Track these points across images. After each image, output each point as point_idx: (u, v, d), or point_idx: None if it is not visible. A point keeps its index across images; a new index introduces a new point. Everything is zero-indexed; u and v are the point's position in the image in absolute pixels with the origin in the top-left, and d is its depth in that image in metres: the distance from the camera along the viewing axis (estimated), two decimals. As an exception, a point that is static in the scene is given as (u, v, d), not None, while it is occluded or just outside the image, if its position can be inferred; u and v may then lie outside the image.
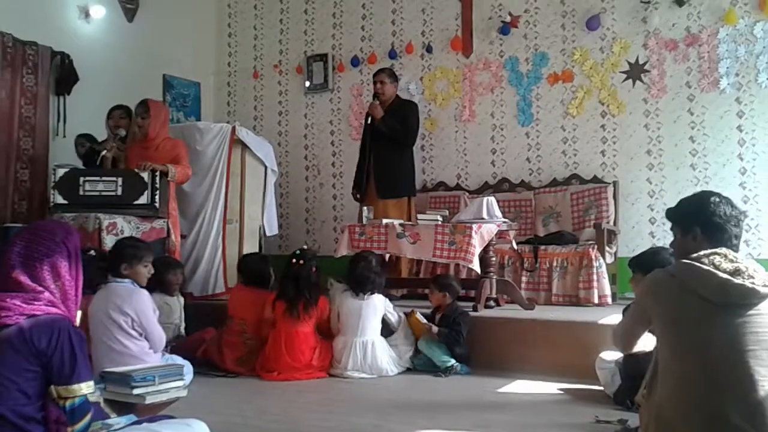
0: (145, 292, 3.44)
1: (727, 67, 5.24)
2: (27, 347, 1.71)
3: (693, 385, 1.92)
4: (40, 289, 1.81)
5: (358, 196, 5.55)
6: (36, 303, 1.79)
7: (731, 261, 1.98)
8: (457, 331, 3.99)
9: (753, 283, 1.92)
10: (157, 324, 3.42)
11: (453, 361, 3.94)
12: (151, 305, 3.41)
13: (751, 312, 1.92)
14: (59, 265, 1.86)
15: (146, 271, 3.50)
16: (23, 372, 1.71)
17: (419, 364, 4.07)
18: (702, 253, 2.01)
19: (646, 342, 2.25)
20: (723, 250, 2.01)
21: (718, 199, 2.11)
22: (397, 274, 5.09)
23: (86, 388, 1.76)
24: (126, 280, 3.41)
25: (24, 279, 1.81)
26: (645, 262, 3.24)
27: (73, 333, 1.78)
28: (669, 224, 5.41)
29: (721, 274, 1.93)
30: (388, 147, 5.26)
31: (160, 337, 3.44)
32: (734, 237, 2.06)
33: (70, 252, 1.90)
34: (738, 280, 1.92)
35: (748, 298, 1.92)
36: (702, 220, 2.09)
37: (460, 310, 4.16)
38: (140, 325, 3.35)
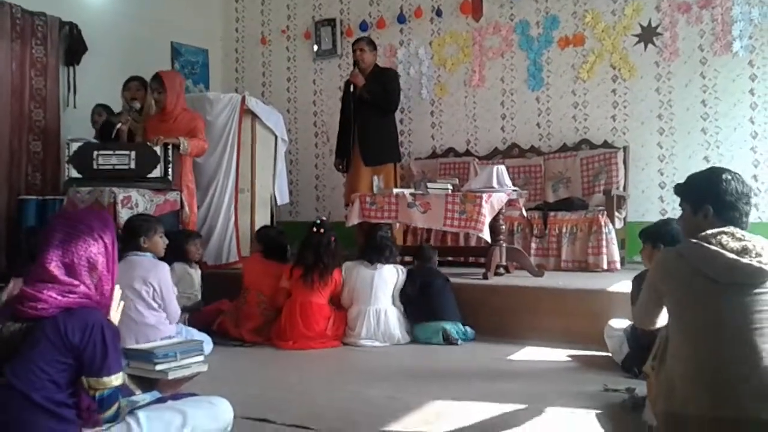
0: (166, 265, 3.59)
1: (741, 30, 5.18)
2: (61, 340, 1.76)
3: (702, 363, 1.96)
4: (77, 282, 1.84)
5: (341, 167, 5.58)
6: (71, 296, 1.82)
7: (738, 239, 2.00)
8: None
9: (760, 262, 1.95)
10: (173, 298, 3.53)
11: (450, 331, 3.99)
12: (170, 278, 3.52)
13: (758, 290, 1.95)
14: (96, 259, 1.89)
15: (162, 241, 3.66)
16: (56, 363, 1.76)
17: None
18: (710, 232, 2.03)
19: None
20: (730, 228, 2.03)
21: (729, 177, 2.10)
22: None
23: (116, 380, 1.82)
24: (147, 253, 3.51)
25: (60, 272, 1.83)
26: (654, 234, 3.27)
27: (106, 327, 1.82)
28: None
29: (728, 254, 1.96)
30: (372, 114, 5.27)
31: (176, 309, 3.57)
32: (744, 215, 2.07)
33: (107, 246, 1.93)
34: (745, 260, 1.95)
35: (755, 277, 1.95)
36: (713, 198, 2.09)
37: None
38: (161, 297, 3.48)
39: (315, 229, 4.17)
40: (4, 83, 5.33)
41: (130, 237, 3.50)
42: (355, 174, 5.29)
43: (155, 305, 3.48)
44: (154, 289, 3.46)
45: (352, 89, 5.32)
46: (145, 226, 3.63)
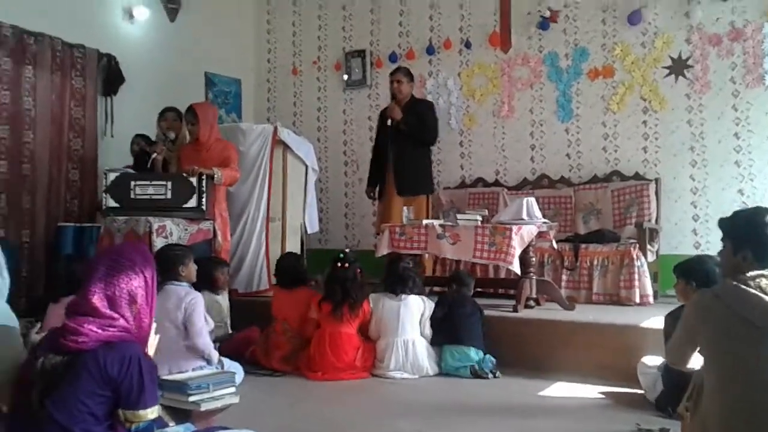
0: (200, 295, 3.63)
1: (773, 63, 5.15)
2: (100, 373, 1.81)
3: (736, 408, 1.94)
4: (116, 316, 1.89)
5: (372, 194, 5.64)
6: (111, 329, 1.87)
7: (778, 283, 1.99)
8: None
9: (799, 307, 1.93)
10: (204, 328, 3.53)
11: (488, 361, 3.98)
12: (203, 309, 3.56)
13: (796, 336, 1.93)
14: (136, 294, 1.94)
15: (194, 268, 3.74)
16: (95, 396, 1.80)
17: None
18: (749, 274, 2.02)
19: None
20: None
21: None
22: (421, 272, 5.11)
23: (152, 414, 1.85)
24: (183, 282, 3.58)
25: (102, 305, 1.89)
26: (688, 271, 3.25)
27: (143, 361, 1.86)
28: (712, 222, 5.37)
29: (767, 299, 1.94)
30: (409, 145, 5.30)
31: (206, 342, 3.52)
32: None
33: (147, 281, 1.98)
34: (784, 305, 1.93)
35: (793, 322, 1.93)
36: (754, 242, 2.07)
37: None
38: (188, 320, 3.48)
39: (339, 264, 4.19)
40: (45, 113, 5.49)
41: (169, 266, 3.55)
42: (388, 204, 5.32)
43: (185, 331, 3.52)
44: (185, 313, 3.49)
45: (389, 123, 5.31)
46: (180, 254, 3.70)
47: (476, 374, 3.93)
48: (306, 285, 4.44)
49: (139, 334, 1.97)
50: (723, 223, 2.21)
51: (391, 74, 5.49)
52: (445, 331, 4.12)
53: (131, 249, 2.08)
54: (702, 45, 5.40)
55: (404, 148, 5.31)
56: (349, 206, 7.05)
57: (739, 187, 5.24)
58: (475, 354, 3.99)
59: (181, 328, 3.50)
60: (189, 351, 3.51)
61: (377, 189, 5.58)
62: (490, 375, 3.92)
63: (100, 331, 1.86)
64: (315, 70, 7.28)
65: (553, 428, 2.99)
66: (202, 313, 3.58)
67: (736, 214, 2.22)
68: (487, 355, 4.02)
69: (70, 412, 1.80)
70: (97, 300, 1.89)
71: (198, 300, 3.57)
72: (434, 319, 4.17)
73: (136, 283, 1.96)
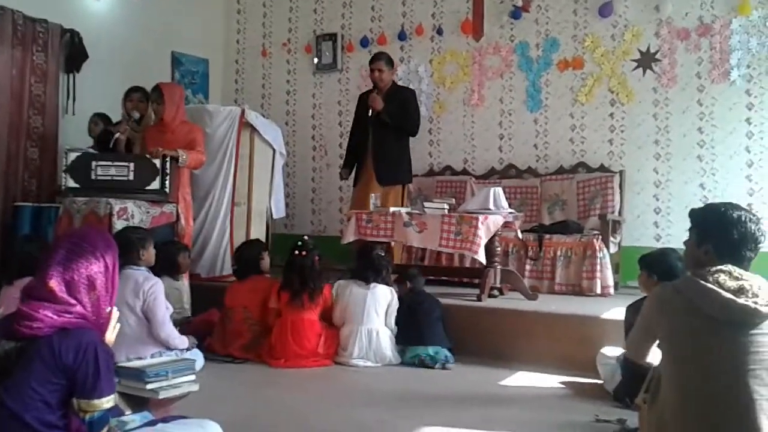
0: (159, 281, 3.59)
1: (739, 59, 5.22)
2: (54, 361, 1.76)
3: (693, 401, 1.97)
4: (74, 302, 1.84)
5: (346, 176, 5.58)
6: (67, 315, 1.81)
7: (736, 278, 2.01)
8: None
9: (756, 303, 1.95)
10: (166, 314, 3.50)
11: (443, 355, 3.98)
12: (163, 294, 3.51)
13: (753, 331, 1.96)
14: (96, 279, 1.89)
15: (153, 252, 3.72)
16: (48, 384, 1.76)
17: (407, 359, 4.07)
18: (709, 269, 2.04)
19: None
20: (728, 267, 2.03)
21: (740, 219, 2.07)
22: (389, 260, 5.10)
23: (107, 403, 1.81)
24: (142, 267, 3.52)
25: (60, 289, 1.83)
26: (651, 263, 3.30)
27: (99, 349, 1.82)
28: (673, 215, 5.44)
29: (724, 293, 1.96)
30: (389, 135, 5.24)
31: (169, 330, 3.52)
32: (747, 260, 2.06)
33: (108, 267, 1.93)
34: (741, 300, 1.95)
35: (750, 317, 1.95)
36: (716, 238, 2.08)
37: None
38: (150, 309, 3.45)
39: (297, 252, 4.15)
40: (4, 89, 5.33)
41: (129, 250, 3.48)
42: (365, 191, 5.18)
43: (144, 319, 3.47)
44: (144, 302, 3.45)
45: (369, 113, 5.22)
46: (141, 238, 3.64)
47: (423, 364, 3.93)
48: (261, 274, 4.39)
49: (97, 321, 1.92)
50: (693, 214, 2.21)
51: (371, 62, 5.34)
52: (407, 332, 4.09)
53: (93, 234, 2.03)
54: (670, 39, 5.45)
55: (385, 137, 5.23)
56: (316, 191, 7.00)
57: (701, 181, 5.32)
58: (433, 351, 3.97)
59: (139, 314, 3.45)
60: (148, 338, 3.47)
61: (355, 174, 5.50)
62: (437, 366, 3.91)
63: (55, 316, 1.81)
64: (285, 53, 7.18)
65: (513, 417, 3.01)
66: (163, 302, 3.54)
67: (707, 206, 2.23)
68: (444, 350, 4.00)
69: (22, 399, 1.75)
70: (55, 284, 1.84)
71: (158, 287, 3.52)
72: (396, 321, 4.16)
73: (95, 269, 1.91)
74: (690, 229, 2.21)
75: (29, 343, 1.78)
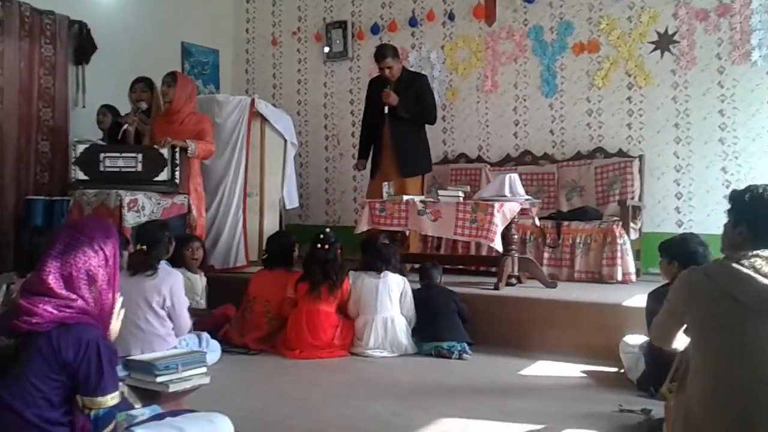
0: (179, 273, 3.56)
1: (760, 39, 5.06)
2: (54, 357, 1.70)
3: (725, 392, 1.88)
4: (74, 297, 1.77)
5: (362, 168, 5.49)
6: (68, 310, 1.75)
7: (774, 264, 1.91)
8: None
9: (793, 290, 1.86)
10: (186, 309, 3.47)
11: (459, 345, 3.90)
12: (183, 288, 3.47)
13: (789, 319, 1.86)
14: (96, 273, 1.82)
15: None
16: (49, 381, 1.70)
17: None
18: (742, 253, 1.94)
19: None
20: (766, 252, 1.93)
21: None
22: (405, 249, 5.01)
23: (111, 400, 1.75)
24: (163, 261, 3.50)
25: (57, 285, 1.77)
26: (671, 249, 3.21)
27: (101, 345, 1.75)
28: (695, 200, 5.31)
29: (761, 279, 1.86)
30: (408, 128, 5.14)
31: (187, 322, 3.50)
32: None
33: (108, 258, 1.85)
34: (778, 286, 1.85)
35: (786, 305, 1.86)
36: (750, 218, 1.99)
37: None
38: (171, 306, 3.41)
39: (320, 245, 4.08)
40: (13, 82, 5.29)
41: (160, 247, 3.51)
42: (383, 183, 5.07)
43: (163, 314, 3.42)
44: (165, 298, 3.40)
45: (386, 109, 5.07)
46: (170, 236, 3.62)
47: (440, 354, 3.86)
48: (291, 266, 4.32)
49: (100, 316, 1.85)
50: (733, 194, 2.11)
51: (378, 62, 5.16)
52: (423, 328, 4.01)
53: (92, 224, 1.95)
54: (689, 20, 5.30)
55: (403, 130, 5.12)
56: (330, 181, 6.92)
57: (723, 165, 5.18)
58: (448, 345, 3.88)
59: (157, 309, 3.38)
60: (165, 335, 3.41)
61: (369, 165, 5.40)
62: (454, 356, 3.83)
63: (55, 311, 1.74)
64: (295, 42, 7.10)
65: (535, 408, 2.93)
66: (183, 296, 3.51)
67: (748, 187, 2.13)
68: (466, 346, 3.91)
69: (22, 396, 1.69)
70: (52, 280, 1.77)
71: (180, 282, 3.50)
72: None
73: (95, 262, 1.83)
74: (728, 210, 2.11)
75: (28, 339, 1.72)
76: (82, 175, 4.26)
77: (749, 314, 1.86)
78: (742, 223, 2.01)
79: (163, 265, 3.52)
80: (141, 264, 3.38)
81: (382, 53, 5.15)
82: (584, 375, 3.51)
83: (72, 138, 5.43)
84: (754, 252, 1.92)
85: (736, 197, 2.07)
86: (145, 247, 3.46)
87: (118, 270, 1.93)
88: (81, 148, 4.30)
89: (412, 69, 5.76)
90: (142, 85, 4.82)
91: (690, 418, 1.98)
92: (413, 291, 4.13)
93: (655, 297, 3.14)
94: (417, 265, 5.11)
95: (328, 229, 4.25)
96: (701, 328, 1.98)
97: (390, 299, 4.02)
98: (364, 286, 4.06)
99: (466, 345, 3.91)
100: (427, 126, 5.34)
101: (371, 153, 5.39)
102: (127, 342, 3.21)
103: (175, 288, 3.44)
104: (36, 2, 5.43)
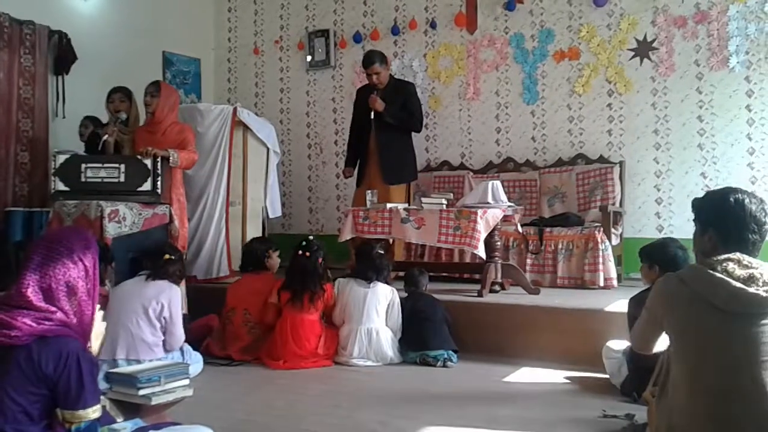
0: (177, 288, 3.63)
1: (737, 45, 5.14)
2: (34, 371, 1.68)
3: (705, 396, 1.90)
4: (53, 309, 1.75)
5: (349, 174, 5.51)
6: (47, 323, 1.73)
7: (745, 267, 1.93)
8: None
9: (767, 292, 1.88)
10: (181, 323, 3.51)
11: (445, 353, 3.90)
12: (180, 303, 3.52)
13: (764, 321, 1.89)
14: (76, 285, 1.80)
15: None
16: (29, 395, 1.68)
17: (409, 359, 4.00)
18: (715, 258, 1.97)
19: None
20: (737, 255, 1.96)
21: (739, 201, 1.99)
22: (390, 257, 4.99)
23: (93, 414, 1.73)
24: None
25: (37, 298, 1.75)
26: (651, 254, 3.23)
27: (82, 358, 1.73)
28: (675, 205, 5.38)
29: (733, 283, 1.89)
30: (394, 135, 5.18)
31: (181, 335, 3.55)
32: (752, 243, 1.98)
33: (88, 269, 1.84)
34: (752, 289, 1.88)
35: (761, 307, 1.88)
36: (717, 223, 2.02)
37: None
38: (168, 318, 3.47)
39: (301, 252, 4.07)
40: (-8, 92, 5.24)
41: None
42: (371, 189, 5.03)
43: (157, 324, 3.46)
44: (162, 308, 3.45)
45: (372, 114, 5.11)
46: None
47: (425, 362, 3.86)
48: (265, 271, 4.31)
49: (80, 327, 1.83)
50: (694, 203, 2.16)
51: (365, 67, 5.19)
52: (410, 337, 4.00)
53: (70, 234, 1.93)
54: (667, 27, 5.37)
55: (389, 137, 5.16)
56: (313, 190, 6.92)
57: (702, 170, 5.24)
58: (434, 354, 3.88)
59: (152, 317, 3.43)
60: (153, 344, 3.43)
61: (357, 174, 5.42)
62: (439, 364, 3.83)
63: (34, 324, 1.72)
64: (277, 50, 7.09)
65: (520, 415, 2.93)
66: (179, 310, 3.59)
67: (707, 193, 2.18)
68: (452, 353, 3.91)
69: (1, 410, 1.66)
70: (32, 293, 1.75)
71: (178, 296, 3.58)
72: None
73: (74, 274, 1.81)
74: (694, 220, 2.14)
75: (7, 352, 1.69)
76: (62, 186, 4.22)
77: (725, 318, 1.89)
78: (709, 229, 2.03)
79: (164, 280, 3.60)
80: (169, 272, 3.57)
81: (370, 59, 5.18)
82: (568, 381, 3.53)
83: (52, 149, 5.38)
84: (727, 256, 1.94)
85: (698, 205, 2.11)
86: (173, 257, 3.64)
87: (98, 281, 1.91)
88: (62, 158, 4.25)
89: (399, 77, 5.78)
90: (119, 95, 4.75)
91: (673, 423, 2.00)
92: (400, 299, 4.12)
93: (636, 302, 3.17)
94: (401, 273, 5.15)
95: (311, 237, 4.25)
96: (679, 333, 2.00)
97: (377, 311, 4.01)
98: (352, 294, 4.05)
99: (452, 353, 3.91)
100: (413, 135, 5.36)
101: (358, 160, 5.40)
102: (114, 343, 3.31)
103: (174, 301, 3.52)
104: (16, 12, 5.38)
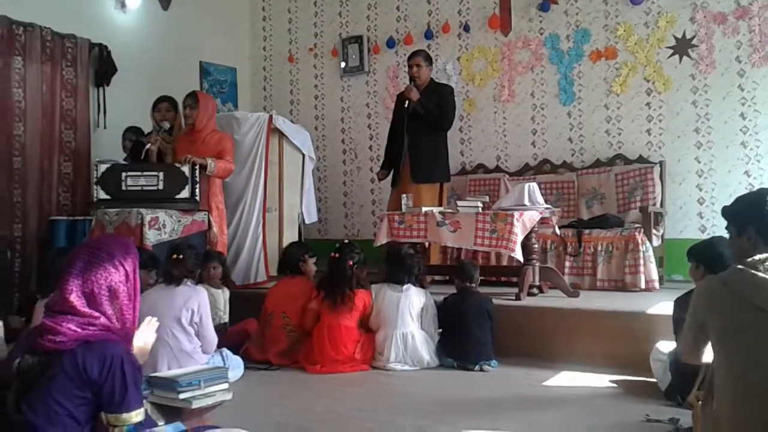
0: (204, 290, 3.64)
1: (780, 41, 5.01)
2: (79, 375, 1.71)
3: (751, 401, 1.83)
4: (97, 314, 1.79)
5: (382, 177, 5.54)
6: (91, 328, 1.76)
7: (789, 265, 1.87)
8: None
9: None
10: (212, 325, 3.52)
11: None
12: (209, 305, 3.52)
13: (810, 321, 1.82)
14: (117, 289, 1.83)
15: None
16: (74, 398, 1.71)
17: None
18: (757, 257, 1.90)
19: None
20: None
21: None
22: (426, 261, 4.97)
23: (136, 417, 1.75)
24: (188, 281, 3.60)
25: (80, 303, 1.78)
26: (699, 253, 3.15)
27: (126, 361, 1.76)
28: (718, 205, 5.28)
29: (777, 282, 1.83)
30: (425, 131, 5.18)
31: (213, 337, 3.56)
32: None
33: (129, 274, 1.87)
34: (797, 289, 1.82)
35: (807, 307, 1.81)
36: (757, 220, 1.97)
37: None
38: (199, 322, 3.49)
39: (333, 254, 4.11)
40: (35, 105, 5.37)
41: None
42: (403, 191, 5.04)
43: (192, 331, 3.49)
44: (193, 313, 3.47)
45: (406, 105, 5.16)
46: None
47: (463, 367, 3.84)
48: (300, 275, 4.34)
49: (123, 331, 1.87)
50: (725, 210, 2.13)
51: (409, 58, 5.33)
52: (450, 349, 3.93)
53: (110, 240, 1.97)
54: (706, 24, 5.25)
55: (420, 132, 5.18)
56: (348, 195, 6.94)
57: (746, 168, 5.11)
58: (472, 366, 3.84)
59: (186, 325, 3.44)
60: (194, 352, 3.45)
61: (391, 175, 5.43)
62: (477, 368, 3.80)
63: (79, 329, 1.76)
64: (311, 58, 7.15)
65: (560, 420, 2.89)
66: (209, 312, 3.59)
67: (737, 198, 2.13)
68: (491, 362, 3.86)
69: (47, 415, 1.70)
70: (75, 298, 1.78)
71: (206, 299, 3.58)
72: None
73: (116, 278, 1.85)
74: (727, 227, 2.10)
75: (53, 357, 1.73)
76: (104, 195, 4.31)
77: (769, 319, 1.83)
78: (747, 229, 1.98)
79: (189, 283, 3.59)
80: (175, 275, 3.52)
81: (416, 51, 5.39)
82: (611, 385, 3.46)
83: (94, 159, 5.50)
84: None
85: (731, 209, 2.07)
86: (180, 256, 3.58)
87: (138, 285, 1.94)
88: (103, 168, 4.35)
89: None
90: (166, 105, 4.87)
91: (718, 428, 1.94)
92: (446, 298, 4.09)
93: (681, 303, 3.10)
94: (437, 277, 5.14)
95: (346, 240, 4.27)
96: (722, 336, 1.94)
97: (411, 315, 3.99)
98: (386, 299, 4.04)
99: (486, 361, 3.87)
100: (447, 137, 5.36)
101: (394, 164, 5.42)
102: (155, 358, 3.30)
103: (203, 304, 3.53)
104: (57, 26, 5.52)
